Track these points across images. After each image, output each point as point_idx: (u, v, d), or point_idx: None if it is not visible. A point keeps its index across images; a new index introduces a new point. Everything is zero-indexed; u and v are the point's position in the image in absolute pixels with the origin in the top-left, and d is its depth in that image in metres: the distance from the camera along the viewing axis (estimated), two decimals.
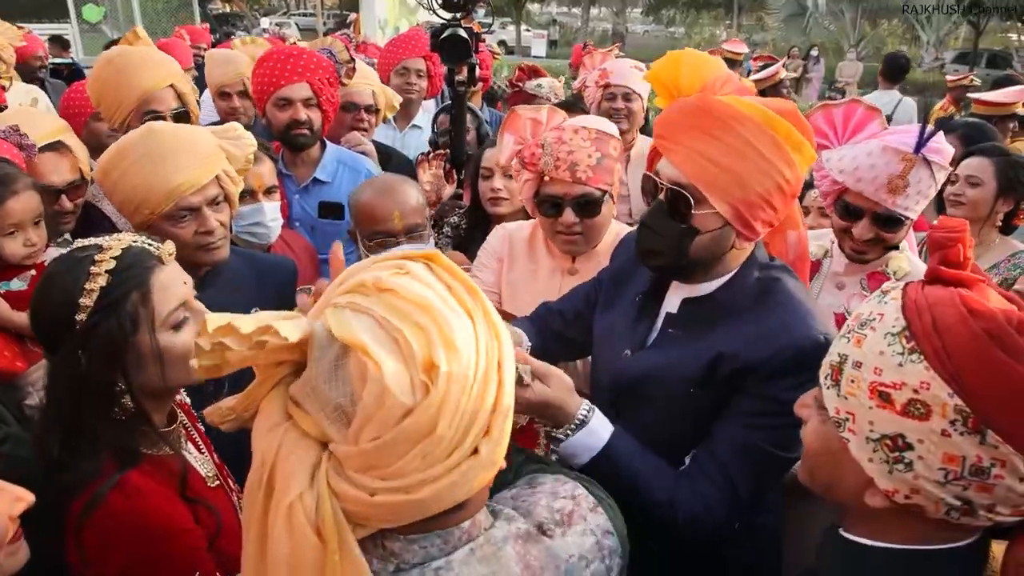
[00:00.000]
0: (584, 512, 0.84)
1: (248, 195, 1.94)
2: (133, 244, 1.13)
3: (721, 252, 1.22)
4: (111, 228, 2.10)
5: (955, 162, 2.43)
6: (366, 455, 0.65)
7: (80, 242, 1.15)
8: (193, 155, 1.52)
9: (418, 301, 0.67)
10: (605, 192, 1.67)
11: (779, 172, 1.14)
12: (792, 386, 1.12)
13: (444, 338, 0.67)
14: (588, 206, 1.65)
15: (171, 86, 2.25)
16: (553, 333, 1.56)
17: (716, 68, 1.24)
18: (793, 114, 1.18)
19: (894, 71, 5.69)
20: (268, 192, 2.02)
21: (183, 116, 2.26)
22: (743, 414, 1.17)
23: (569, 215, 1.65)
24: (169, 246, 1.17)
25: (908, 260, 1.79)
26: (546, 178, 1.65)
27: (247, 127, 2.69)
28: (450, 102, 2.85)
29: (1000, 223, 2.42)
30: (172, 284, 1.13)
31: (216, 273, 1.63)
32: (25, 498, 0.88)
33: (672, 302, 1.32)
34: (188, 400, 1.35)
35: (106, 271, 1.08)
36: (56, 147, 1.96)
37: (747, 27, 27.63)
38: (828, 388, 0.82)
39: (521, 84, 3.65)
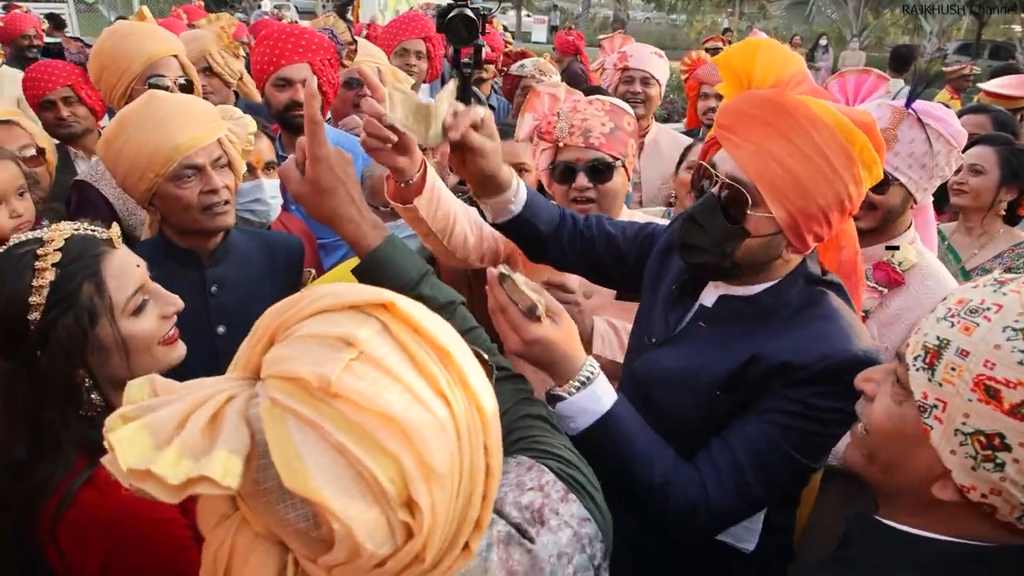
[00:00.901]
0: (555, 504, 0.78)
1: (247, 172, 1.93)
2: (76, 232, 1.07)
3: (767, 259, 1.15)
4: (109, 210, 2.09)
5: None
6: None
7: (16, 238, 1.08)
8: (195, 117, 1.53)
9: (381, 412, 0.53)
10: (618, 159, 1.70)
11: (844, 187, 1.07)
12: (823, 394, 1.09)
13: (421, 464, 0.54)
14: (600, 171, 1.69)
15: (175, 56, 2.28)
16: (577, 235, 1.45)
17: (794, 63, 1.17)
18: (871, 128, 1.10)
19: (898, 61, 5.81)
20: (267, 168, 2.00)
21: (188, 87, 2.27)
22: (768, 411, 1.12)
23: (582, 179, 1.69)
24: (116, 229, 1.12)
25: (916, 251, 1.77)
26: (561, 145, 1.72)
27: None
28: (458, 85, 2.82)
29: (1004, 212, 2.41)
30: (126, 268, 1.09)
31: (226, 249, 1.64)
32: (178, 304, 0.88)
33: (709, 296, 1.26)
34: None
35: (52, 264, 1.02)
36: (7, 123, 2.02)
37: (749, 15, 27.44)
38: (918, 370, 0.77)
39: (506, 69, 3.62)
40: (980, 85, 4.28)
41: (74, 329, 1.02)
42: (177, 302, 1.15)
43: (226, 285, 1.61)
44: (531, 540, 0.73)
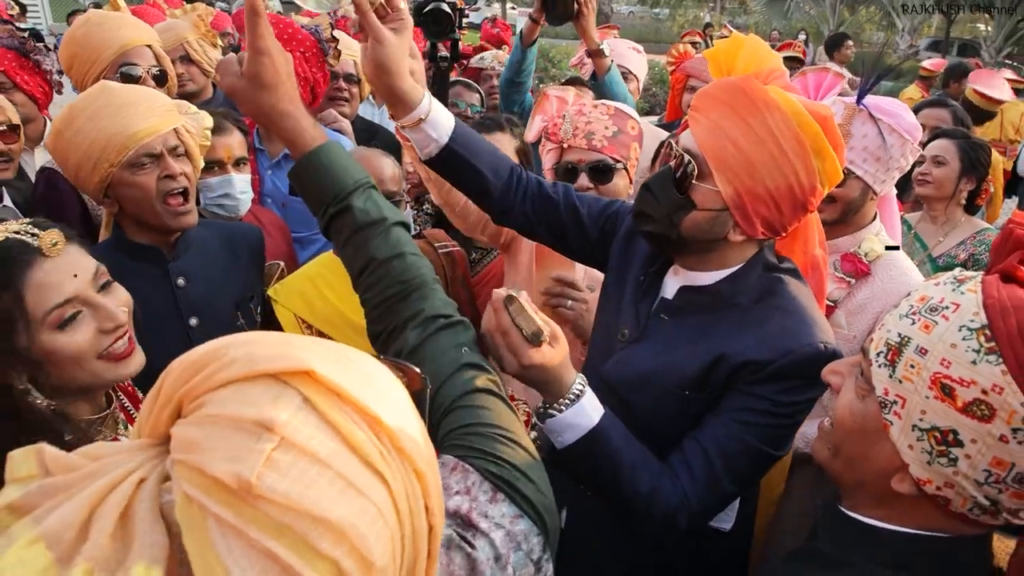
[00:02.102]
0: (483, 507, 0.75)
1: (217, 166, 1.92)
2: (8, 237, 1.02)
3: (714, 237, 1.17)
4: (76, 198, 2.06)
5: (922, 145, 2.51)
6: None
7: None
8: (150, 107, 1.51)
9: (312, 513, 0.48)
10: (619, 162, 1.75)
11: (794, 172, 1.10)
12: (787, 389, 1.12)
13: (360, 561, 0.50)
14: (601, 173, 1.75)
15: (149, 46, 2.25)
16: (542, 196, 1.42)
17: (773, 60, 1.23)
18: (827, 120, 1.14)
19: (830, 48, 6.99)
20: (237, 164, 1.99)
21: (161, 77, 2.24)
22: (735, 410, 1.15)
23: (584, 180, 1.75)
24: (52, 235, 1.04)
25: (882, 243, 1.81)
26: (565, 146, 1.77)
27: (207, 101, 2.65)
28: (434, 81, 2.82)
29: (964, 202, 2.50)
30: (53, 279, 1.02)
31: (187, 241, 1.62)
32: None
33: (670, 288, 1.29)
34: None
35: None
36: None
37: (730, 10, 27.64)
38: (880, 367, 0.79)
39: (466, 62, 3.60)
40: (971, 86, 4.43)
41: None
42: (118, 318, 1.08)
43: (191, 277, 1.59)
44: (471, 545, 0.71)
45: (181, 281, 1.59)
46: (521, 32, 3.05)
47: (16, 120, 2.04)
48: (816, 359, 1.09)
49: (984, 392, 0.70)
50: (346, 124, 2.63)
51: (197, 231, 1.63)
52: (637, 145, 1.80)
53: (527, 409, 1.65)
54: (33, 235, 1.04)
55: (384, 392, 0.56)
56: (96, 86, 1.53)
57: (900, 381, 0.76)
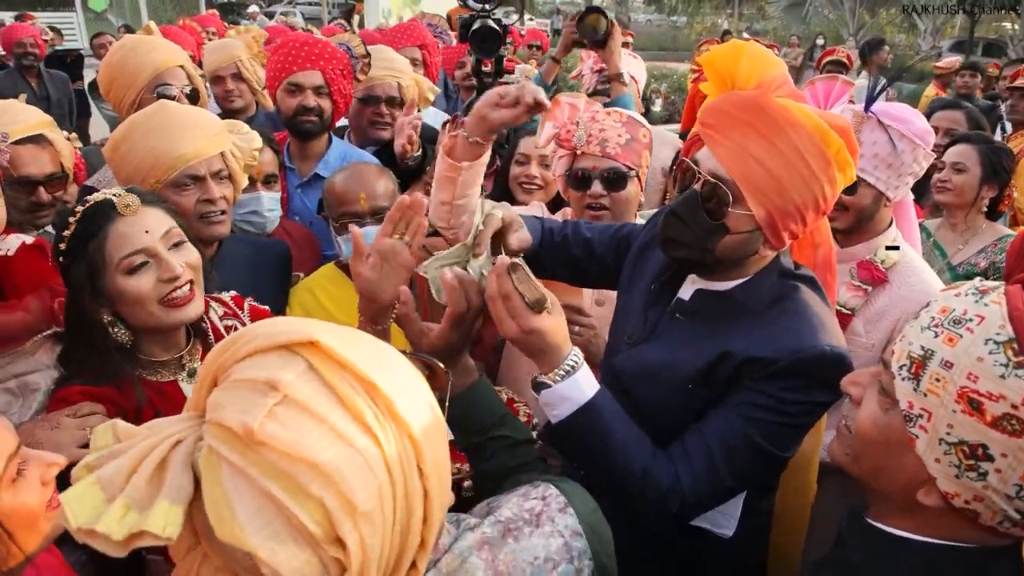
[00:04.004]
0: (553, 513, 0.82)
1: (248, 184, 1.99)
2: (102, 200, 1.27)
3: (745, 256, 1.19)
4: None
5: (941, 151, 2.49)
6: None
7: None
8: (201, 130, 1.60)
9: (304, 458, 0.56)
10: (632, 169, 1.77)
11: (820, 187, 1.11)
12: (792, 387, 1.12)
13: (345, 504, 0.57)
14: (615, 180, 1.76)
15: (181, 67, 2.34)
16: (554, 244, 1.48)
17: (776, 67, 1.20)
18: (846, 132, 1.14)
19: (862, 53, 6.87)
20: (267, 182, 2.06)
21: (194, 96, 2.33)
22: (739, 404, 1.16)
23: (597, 187, 1.75)
24: (127, 198, 1.27)
25: (895, 246, 1.80)
26: (578, 152, 1.77)
27: (249, 118, 2.74)
28: (476, 95, 2.85)
29: (986, 209, 2.47)
30: (129, 232, 1.25)
31: (221, 256, 1.72)
32: (58, 462, 0.94)
33: (686, 291, 1.30)
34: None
35: (76, 222, 1.25)
36: (37, 140, 1.95)
37: (748, 15, 27.51)
38: (903, 380, 0.78)
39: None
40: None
41: (78, 275, 1.24)
42: (175, 270, 1.27)
43: (223, 290, 1.66)
44: (515, 538, 0.77)
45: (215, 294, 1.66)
46: (539, 74, 3.08)
47: (69, 165, 2.03)
48: (820, 360, 1.11)
49: (1014, 407, 0.69)
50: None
51: (229, 245, 1.73)
52: (648, 152, 1.83)
53: (527, 411, 1.67)
54: (116, 196, 1.27)
55: (390, 368, 0.65)
56: (155, 104, 1.63)
57: (925, 395, 0.75)
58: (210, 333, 1.44)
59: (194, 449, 0.59)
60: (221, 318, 1.49)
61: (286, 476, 0.56)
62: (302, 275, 1.99)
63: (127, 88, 2.28)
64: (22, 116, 1.99)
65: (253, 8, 14.48)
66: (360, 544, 0.57)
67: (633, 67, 3.10)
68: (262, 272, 1.79)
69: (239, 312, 1.53)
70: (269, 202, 2.06)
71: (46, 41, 5.75)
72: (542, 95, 1.36)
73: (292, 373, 0.59)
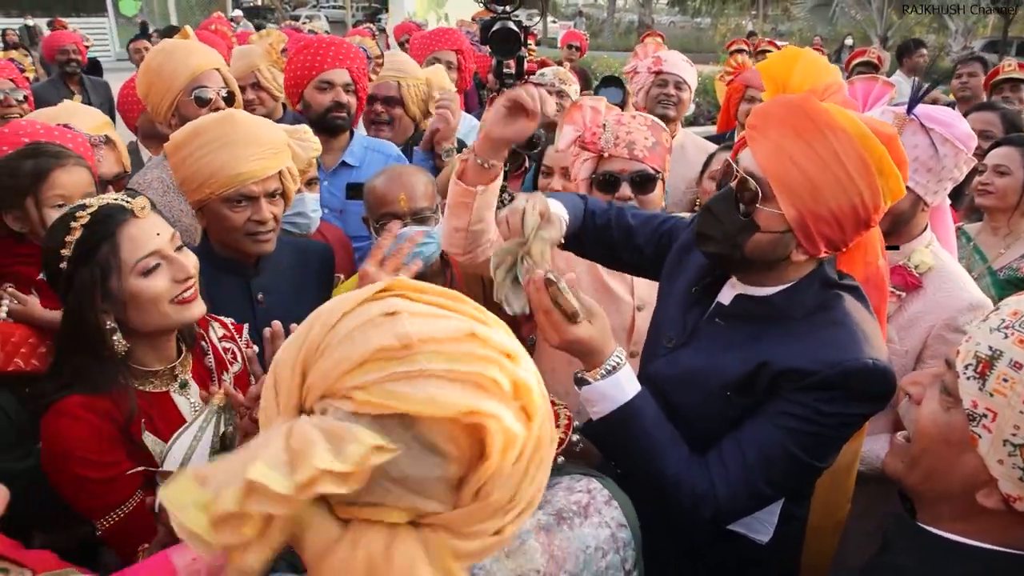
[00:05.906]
0: (599, 505, 0.86)
1: None
2: (109, 203, 1.27)
3: (776, 258, 1.18)
4: None
5: (983, 154, 2.44)
6: (487, 505, 0.59)
7: (69, 207, 1.30)
8: (263, 148, 1.60)
9: (453, 335, 0.59)
10: (659, 172, 1.77)
11: (858, 193, 1.09)
12: (831, 399, 1.12)
13: (504, 351, 0.61)
14: (643, 183, 1.77)
15: (217, 70, 2.36)
16: (596, 227, 1.49)
17: (830, 74, 1.21)
18: (892, 140, 1.12)
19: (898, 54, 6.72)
20: (309, 183, 2.09)
21: (230, 99, 2.36)
22: (777, 414, 1.15)
23: (625, 190, 1.76)
24: (142, 201, 1.28)
25: (933, 254, 1.77)
26: (605, 155, 1.78)
27: (278, 120, 2.77)
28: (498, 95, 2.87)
29: None
30: (142, 235, 1.25)
31: (267, 259, 1.72)
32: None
33: (726, 295, 1.30)
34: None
35: (82, 226, 1.23)
36: (105, 141, 2.04)
37: (773, 17, 27.25)
38: (969, 379, 0.78)
39: (529, 78, 3.67)
40: None
41: (87, 280, 1.22)
42: (189, 270, 1.29)
43: (270, 293, 1.69)
44: (568, 526, 0.79)
45: (260, 296, 1.68)
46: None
47: (127, 162, 2.08)
48: (862, 373, 1.10)
49: None
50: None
51: (277, 248, 1.72)
52: (668, 156, 1.84)
53: (568, 413, 1.68)
54: (127, 201, 1.28)
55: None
56: (224, 113, 1.63)
57: (991, 394, 0.75)
58: (208, 350, 1.45)
59: (321, 422, 0.56)
60: (220, 339, 1.49)
61: (454, 355, 0.57)
62: (341, 277, 2.02)
63: (164, 92, 2.30)
64: (90, 118, 2.08)
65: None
66: (527, 387, 0.60)
67: (688, 73, 3.14)
68: (307, 274, 1.80)
69: (236, 337, 1.52)
70: (312, 203, 2.08)
71: (87, 47, 5.87)
72: (550, 105, 1.41)
73: (397, 302, 0.61)
